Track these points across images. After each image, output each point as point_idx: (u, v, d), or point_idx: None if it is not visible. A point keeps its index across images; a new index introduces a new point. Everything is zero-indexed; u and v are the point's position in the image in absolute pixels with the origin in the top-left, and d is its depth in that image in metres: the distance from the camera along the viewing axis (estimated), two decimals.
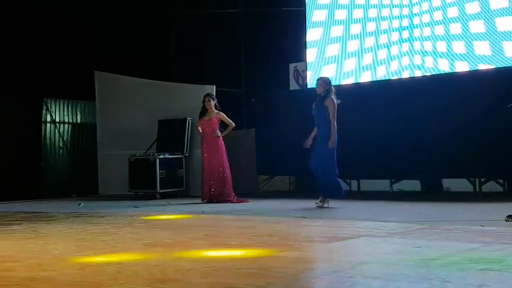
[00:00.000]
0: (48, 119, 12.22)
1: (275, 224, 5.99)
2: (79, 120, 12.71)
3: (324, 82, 7.85)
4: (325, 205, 7.65)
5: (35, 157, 11.91)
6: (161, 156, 10.35)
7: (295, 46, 11.81)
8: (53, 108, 12.28)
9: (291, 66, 12.12)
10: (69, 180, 12.23)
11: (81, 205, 8.97)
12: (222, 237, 5.18)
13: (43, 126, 12.10)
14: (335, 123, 7.58)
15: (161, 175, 10.21)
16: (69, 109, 12.57)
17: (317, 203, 7.66)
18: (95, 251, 4.43)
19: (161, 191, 10.22)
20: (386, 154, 9.23)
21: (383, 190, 9.81)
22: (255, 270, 3.53)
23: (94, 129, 12.05)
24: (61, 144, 12.42)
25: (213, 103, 9.11)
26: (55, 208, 8.75)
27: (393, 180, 9.84)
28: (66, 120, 12.53)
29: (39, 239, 5.19)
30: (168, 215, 7.27)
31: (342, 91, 8.59)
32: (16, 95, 11.51)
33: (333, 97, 7.68)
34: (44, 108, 12.13)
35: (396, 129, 9.18)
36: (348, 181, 10.43)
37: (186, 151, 10.65)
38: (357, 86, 10.17)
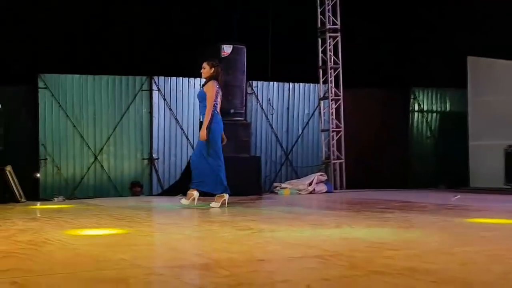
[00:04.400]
0: (416, 108, 12.10)
1: None
2: (447, 109, 12.28)
3: (208, 64, 6.98)
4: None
5: (402, 146, 11.89)
6: None
7: None
8: (420, 97, 12.16)
9: None
10: (437, 171, 11.85)
11: (456, 197, 8.40)
12: None
13: (410, 115, 12.00)
14: (213, 111, 6.86)
15: None
16: (437, 97, 12.25)
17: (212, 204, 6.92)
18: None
19: None
20: None
21: None
22: None
23: (464, 117, 11.43)
24: (428, 134, 12.16)
25: None
26: (424, 198, 8.44)
27: None
28: (434, 109, 12.22)
29: (413, 229, 4.91)
30: None
31: None
32: (384, 85, 11.68)
33: (215, 83, 6.89)
34: (412, 97, 12.04)
35: None
36: None
37: None
38: None
